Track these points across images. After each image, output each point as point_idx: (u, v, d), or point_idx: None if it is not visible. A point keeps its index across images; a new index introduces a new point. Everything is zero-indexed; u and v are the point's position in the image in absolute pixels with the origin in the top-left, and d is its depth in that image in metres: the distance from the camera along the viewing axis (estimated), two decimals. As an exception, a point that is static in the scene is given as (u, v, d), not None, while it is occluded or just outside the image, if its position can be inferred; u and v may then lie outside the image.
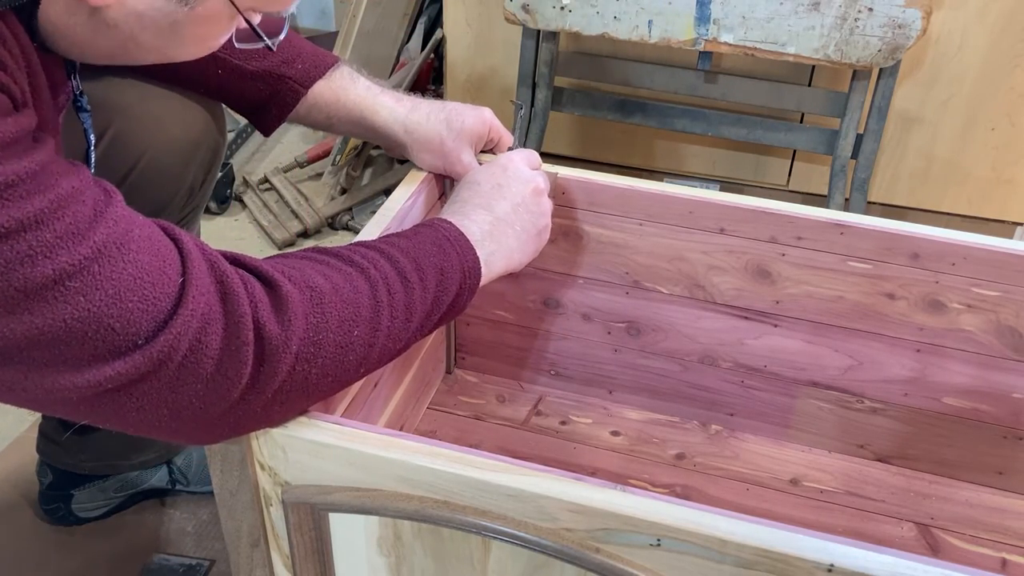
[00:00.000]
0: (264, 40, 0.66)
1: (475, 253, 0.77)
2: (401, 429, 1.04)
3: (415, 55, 1.99)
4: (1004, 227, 1.82)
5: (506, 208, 0.84)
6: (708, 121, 1.72)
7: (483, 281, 0.79)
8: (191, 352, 0.56)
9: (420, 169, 0.97)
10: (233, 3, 0.59)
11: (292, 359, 0.61)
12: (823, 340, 1.02)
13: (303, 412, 0.66)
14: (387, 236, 0.75)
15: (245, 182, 1.94)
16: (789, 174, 1.88)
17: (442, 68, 1.94)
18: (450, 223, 0.78)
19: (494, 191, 0.85)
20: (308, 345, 0.62)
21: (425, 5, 2.07)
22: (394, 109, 0.94)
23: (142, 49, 0.62)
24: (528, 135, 1.80)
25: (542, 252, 1.06)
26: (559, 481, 0.61)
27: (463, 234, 0.78)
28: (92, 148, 0.75)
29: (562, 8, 1.57)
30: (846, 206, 1.66)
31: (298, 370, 0.62)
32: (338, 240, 1.93)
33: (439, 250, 0.74)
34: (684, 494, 1.04)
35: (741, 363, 1.07)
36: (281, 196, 1.89)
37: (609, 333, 1.10)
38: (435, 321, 0.74)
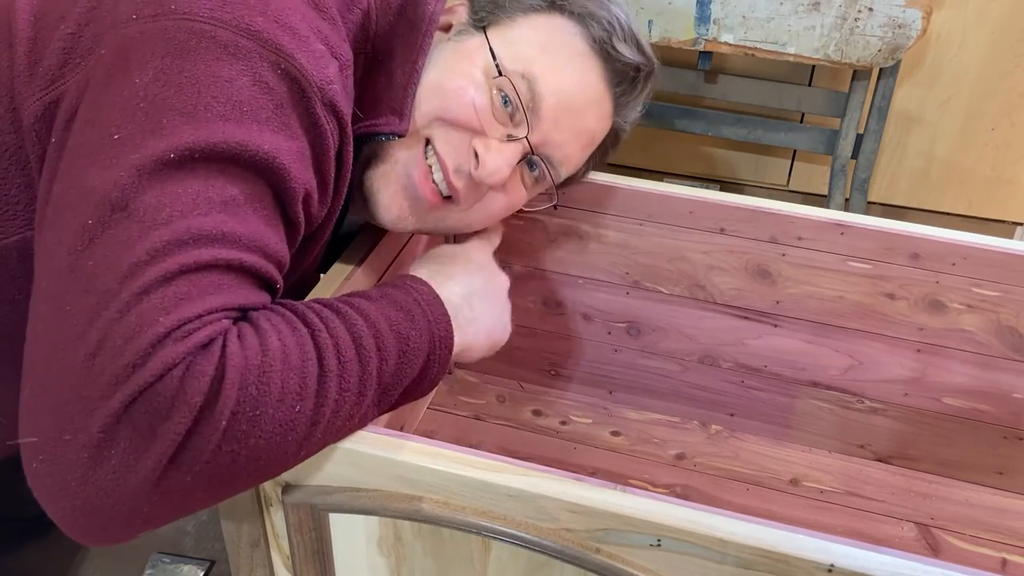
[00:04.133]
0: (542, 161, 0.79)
1: (448, 322, 0.68)
2: (401, 429, 1.04)
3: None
4: (1004, 227, 1.82)
5: (481, 285, 0.76)
6: (708, 121, 1.72)
7: (455, 351, 0.69)
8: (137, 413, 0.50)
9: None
10: (489, 42, 0.74)
11: (219, 438, 0.52)
12: (823, 340, 1.02)
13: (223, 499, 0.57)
14: (351, 295, 0.65)
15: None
16: (789, 174, 1.88)
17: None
18: (424, 283, 0.69)
19: (469, 266, 0.78)
20: (241, 422, 0.52)
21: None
22: None
23: (422, 101, 0.74)
24: (528, 135, 1.80)
25: (542, 252, 1.06)
26: (559, 481, 0.61)
27: (438, 298, 0.68)
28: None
29: (562, 8, 1.56)
30: (846, 206, 1.66)
31: (224, 451, 0.52)
32: (338, 240, 1.92)
33: (406, 316, 0.64)
34: (684, 494, 1.04)
35: (741, 363, 1.07)
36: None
37: (609, 333, 1.10)
38: (394, 399, 0.65)
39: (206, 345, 0.52)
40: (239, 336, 0.54)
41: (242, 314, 0.56)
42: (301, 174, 0.61)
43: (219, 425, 0.51)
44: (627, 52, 0.78)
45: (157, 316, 0.51)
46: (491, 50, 0.75)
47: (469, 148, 0.74)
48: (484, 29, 0.77)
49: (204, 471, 0.52)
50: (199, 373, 0.51)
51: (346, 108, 0.67)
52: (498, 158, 0.74)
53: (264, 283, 0.59)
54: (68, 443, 0.50)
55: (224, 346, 0.53)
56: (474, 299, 0.74)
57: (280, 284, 0.60)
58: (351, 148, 0.69)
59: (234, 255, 0.55)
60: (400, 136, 0.73)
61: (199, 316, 0.52)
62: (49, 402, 0.51)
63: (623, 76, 0.79)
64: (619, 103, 0.81)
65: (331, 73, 0.64)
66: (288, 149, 0.60)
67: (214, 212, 0.55)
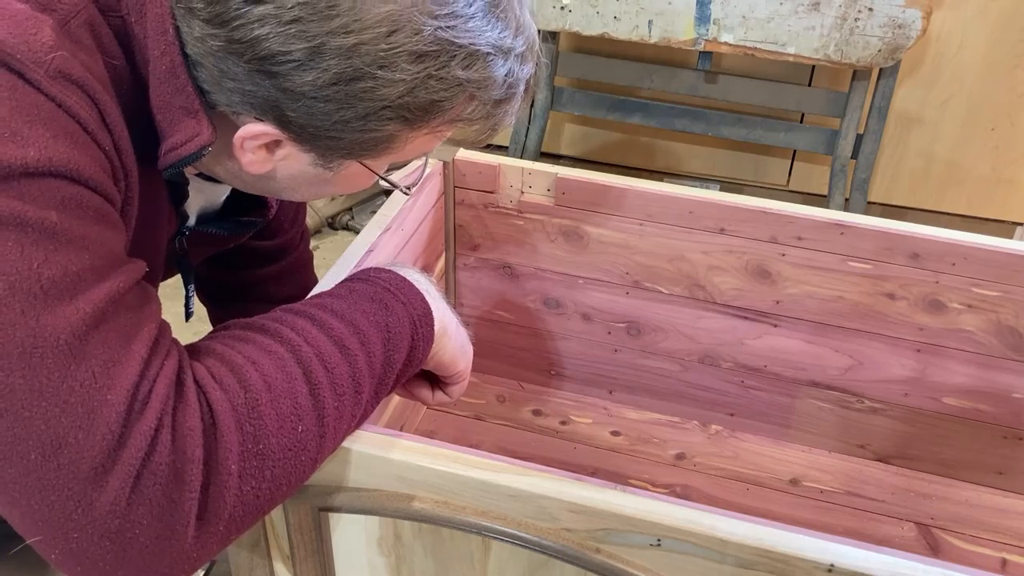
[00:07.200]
0: (403, 191, 0.75)
1: (423, 298, 0.67)
2: (401, 429, 1.04)
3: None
4: (1004, 227, 1.82)
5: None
6: (708, 121, 1.72)
7: (437, 327, 0.68)
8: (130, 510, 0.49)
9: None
10: (367, 167, 0.63)
11: (236, 482, 0.52)
12: (823, 340, 1.02)
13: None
14: (319, 298, 0.64)
15: (245, 182, 1.94)
16: (789, 174, 1.88)
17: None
18: (390, 271, 0.68)
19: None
20: (251, 459, 0.53)
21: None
22: None
23: (299, 195, 0.69)
24: (528, 135, 1.80)
25: (542, 252, 1.06)
26: (559, 481, 0.61)
27: (406, 280, 0.67)
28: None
29: (562, 8, 1.57)
30: (846, 206, 1.66)
31: (246, 490, 0.53)
32: (338, 240, 1.93)
33: (380, 307, 0.64)
34: (684, 494, 1.04)
35: (741, 363, 1.07)
36: (281, 196, 1.89)
37: (609, 333, 1.10)
38: (390, 384, 0.65)
39: (180, 394, 0.51)
40: (216, 379, 0.54)
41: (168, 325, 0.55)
42: None
43: (231, 470, 0.52)
44: None
45: (104, 395, 0.48)
46: None
47: None
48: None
49: (234, 514, 0.53)
50: (188, 430, 0.50)
51: None
52: None
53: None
54: (80, 539, 0.49)
55: (205, 394, 0.53)
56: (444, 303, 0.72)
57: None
58: None
59: (107, 288, 0.51)
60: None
61: (141, 374, 0.50)
62: (32, 508, 0.50)
63: None
64: None
65: None
66: None
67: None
